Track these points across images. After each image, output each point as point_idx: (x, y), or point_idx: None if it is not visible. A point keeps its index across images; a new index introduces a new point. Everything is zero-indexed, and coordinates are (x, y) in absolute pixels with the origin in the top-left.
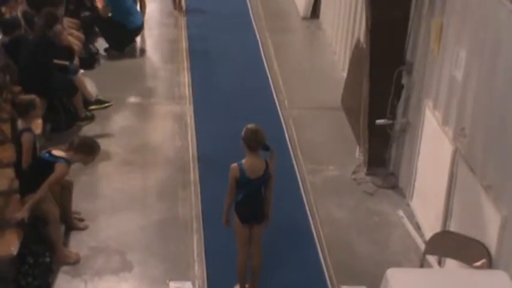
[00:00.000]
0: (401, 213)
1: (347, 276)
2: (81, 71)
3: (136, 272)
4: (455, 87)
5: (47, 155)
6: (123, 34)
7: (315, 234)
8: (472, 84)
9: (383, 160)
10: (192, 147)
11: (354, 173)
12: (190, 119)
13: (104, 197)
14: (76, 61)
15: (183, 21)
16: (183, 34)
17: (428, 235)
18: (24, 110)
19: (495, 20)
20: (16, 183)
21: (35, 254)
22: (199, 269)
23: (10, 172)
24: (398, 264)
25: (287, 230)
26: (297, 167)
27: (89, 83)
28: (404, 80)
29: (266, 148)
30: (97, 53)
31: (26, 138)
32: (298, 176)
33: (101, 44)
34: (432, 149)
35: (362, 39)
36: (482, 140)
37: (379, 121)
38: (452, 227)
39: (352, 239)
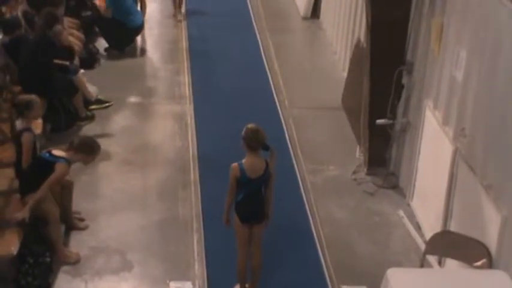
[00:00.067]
0: (401, 213)
1: (347, 276)
2: (82, 70)
3: (136, 271)
4: (455, 87)
5: (47, 154)
6: (123, 34)
7: (315, 234)
8: (473, 84)
9: (383, 160)
10: (192, 147)
11: (354, 172)
12: (190, 119)
13: (104, 197)
14: (76, 61)
15: (183, 21)
16: (183, 34)
17: (428, 235)
18: (22, 110)
19: (495, 20)
20: (16, 183)
21: (35, 254)
22: (199, 268)
23: (10, 172)
24: (398, 264)
25: (287, 230)
26: (297, 166)
27: (89, 86)
28: (404, 80)
29: (266, 148)
30: (97, 52)
31: (26, 138)
32: (299, 176)
33: (101, 44)
34: (432, 149)
35: (362, 39)
36: (482, 140)
37: (379, 121)
38: (453, 227)
39: (353, 239)
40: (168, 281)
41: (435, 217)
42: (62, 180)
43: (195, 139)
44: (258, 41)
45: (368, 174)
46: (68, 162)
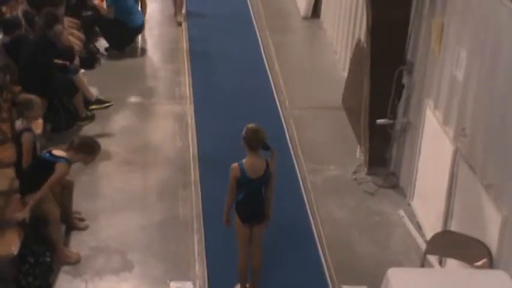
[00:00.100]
0: (402, 212)
1: (348, 276)
2: (82, 70)
3: (136, 271)
4: (456, 87)
5: (48, 154)
6: (124, 33)
7: (315, 234)
8: (473, 84)
9: (384, 160)
10: (192, 147)
11: (354, 172)
12: (190, 119)
13: (105, 197)
14: (76, 61)
15: (183, 23)
16: (184, 34)
17: (429, 235)
18: (22, 110)
19: (496, 20)
20: (16, 183)
21: (35, 254)
22: (199, 268)
23: (10, 172)
24: (399, 264)
25: (288, 230)
26: (298, 166)
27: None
28: (405, 80)
29: (266, 148)
30: (97, 52)
31: (26, 138)
32: (299, 176)
33: (102, 44)
34: (433, 149)
35: (363, 38)
36: (482, 140)
37: (379, 121)
38: (453, 227)
39: (353, 239)
40: (168, 281)
41: (436, 217)
42: (63, 180)
43: (195, 139)
44: (258, 40)
45: (368, 174)
46: (68, 162)
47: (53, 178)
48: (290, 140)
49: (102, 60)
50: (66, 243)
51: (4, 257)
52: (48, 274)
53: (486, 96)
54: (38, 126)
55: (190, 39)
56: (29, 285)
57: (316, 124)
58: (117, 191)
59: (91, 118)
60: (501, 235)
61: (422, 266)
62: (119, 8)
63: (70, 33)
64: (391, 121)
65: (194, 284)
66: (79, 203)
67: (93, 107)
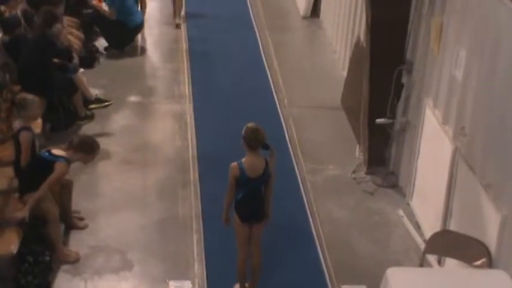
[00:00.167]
0: (401, 212)
1: (347, 276)
2: (81, 70)
3: (136, 271)
4: (455, 86)
5: (47, 154)
6: (123, 33)
7: (315, 234)
8: (472, 84)
9: (383, 159)
10: (192, 147)
11: (354, 172)
12: (190, 118)
13: (104, 196)
14: (76, 60)
15: (182, 25)
16: (183, 33)
17: (428, 234)
18: (17, 110)
19: (495, 19)
20: (15, 182)
21: (34, 253)
22: (199, 268)
23: (10, 171)
24: (398, 264)
25: (287, 229)
26: (297, 166)
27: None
28: (404, 79)
29: (266, 147)
30: (97, 51)
31: (23, 136)
32: (298, 175)
33: (101, 43)
34: (432, 148)
35: (362, 38)
36: (482, 139)
37: (379, 120)
38: (452, 226)
39: (352, 239)
40: (167, 280)
41: (435, 216)
42: (62, 179)
43: (194, 138)
44: (257, 39)
45: (368, 173)
46: (68, 161)
47: (52, 177)
48: (289, 139)
49: (102, 60)
50: (65, 243)
51: (3, 256)
52: (47, 273)
53: (485, 96)
54: (37, 125)
55: (190, 39)
56: (28, 284)
57: (315, 123)
58: (117, 190)
59: (90, 117)
60: (500, 235)
61: (422, 265)
62: (120, 8)
63: (69, 32)
64: (391, 120)
65: (193, 284)
66: (78, 202)
67: (92, 106)
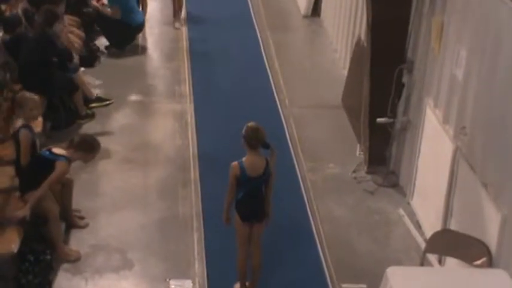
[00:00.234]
0: (401, 211)
1: (347, 275)
2: (82, 69)
3: (136, 270)
4: (455, 85)
5: (47, 152)
6: (124, 32)
7: (315, 233)
8: (473, 83)
9: (383, 158)
10: (192, 146)
11: (354, 171)
12: (190, 118)
13: (105, 195)
14: (76, 59)
15: (182, 28)
16: (184, 32)
17: (428, 233)
18: (15, 108)
19: (496, 18)
20: (16, 181)
21: (35, 252)
22: (199, 267)
23: (10, 170)
24: (398, 263)
25: (287, 229)
26: (298, 165)
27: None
28: (405, 79)
29: (266, 146)
30: (98, 50)
31: (23, 135)
32: (299, 175)
33: (102, 42)
34: (433, 148)
35: (363, 37)
36: (482, 139)
37: (379, 119)
38: (453, 226)
39: (353, 238)
40: (168, 279)
41: (435, 216)
42: (62, 178)
43: (195, 138)
44: (258, 39)
45: (368, 172)
46: (68, 160)
47: (52, 176)
48: (290, 138)
49: (102, 59)
50: (66, 241)
51: (4, 255)
52: (48, 272)
53: (486, 95)
54: (38, 124)
55: (191, 38)
56: (28, 283)
57: (316, 123)
58: (117, 189)
59: (91, 116)
60: (501, 234)
61: (422, 264)
62: (122, 7)
63: (70, 31)
64: (391, 120)
65: (194, 283)
66: (79, 201)
67: (93, 105)
